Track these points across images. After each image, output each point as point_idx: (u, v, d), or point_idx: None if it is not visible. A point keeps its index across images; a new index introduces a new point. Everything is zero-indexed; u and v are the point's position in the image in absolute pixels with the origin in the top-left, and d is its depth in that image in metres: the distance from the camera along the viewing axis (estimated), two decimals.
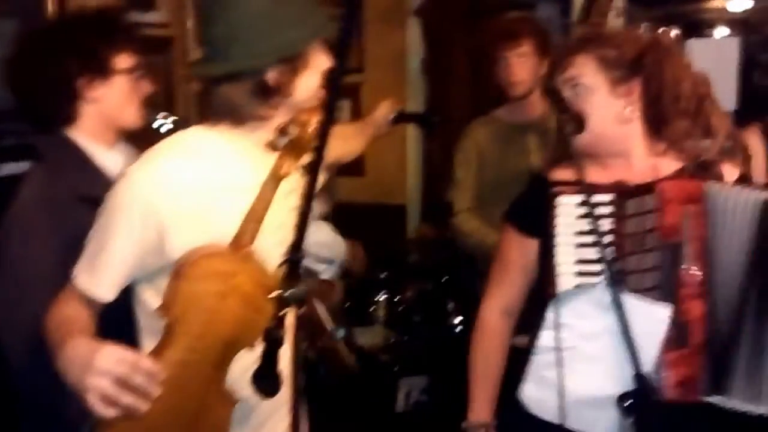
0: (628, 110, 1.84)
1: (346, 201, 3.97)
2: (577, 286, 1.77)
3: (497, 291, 2.01)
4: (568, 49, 1.91)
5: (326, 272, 2.77)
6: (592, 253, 1.76)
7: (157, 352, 1.52)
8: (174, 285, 1.52)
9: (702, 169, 1.82)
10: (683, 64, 1.87)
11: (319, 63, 1.63)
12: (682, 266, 1.75)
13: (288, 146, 1.65)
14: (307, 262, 2.64)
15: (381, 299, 3.76)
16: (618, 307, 1.66)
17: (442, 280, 3.60)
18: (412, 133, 4.36)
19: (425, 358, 3.60)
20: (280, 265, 1.33)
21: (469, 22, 3.85)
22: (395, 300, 3.75)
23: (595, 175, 1.80)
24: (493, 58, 2.93)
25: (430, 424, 3.51)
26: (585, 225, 1.77)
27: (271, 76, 1.60)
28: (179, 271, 1.52)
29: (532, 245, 1.90)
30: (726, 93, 3.78)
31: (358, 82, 4.34)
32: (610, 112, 1.85)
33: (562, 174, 1.84)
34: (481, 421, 1.97)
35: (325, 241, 2.68)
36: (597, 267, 1.75)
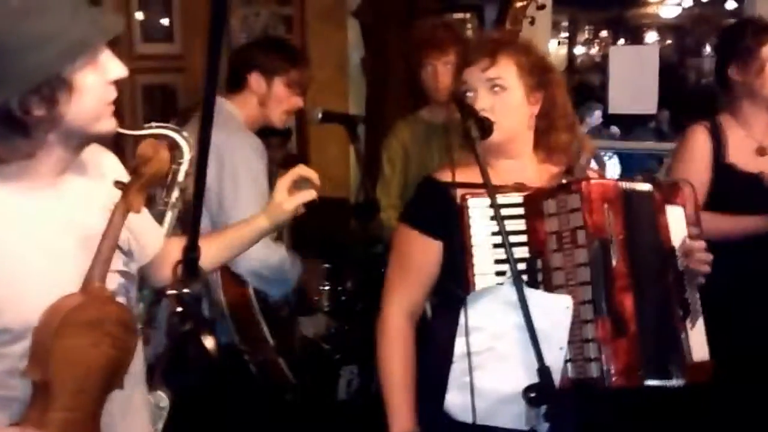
0: (533, 118, 2.01)
1: None
2: (499, 285, 1.83)
3: (400, 293, 2.00)
4: (489, 48, 1.99)
5: (272, 292, 2.84)
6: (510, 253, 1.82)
7: (37, 419, 1.43)
8: (42, 345, 1.41)
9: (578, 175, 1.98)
10: (566, 89, 2.08)
11: (95, 78, 1.42)
12: (612, 261, 1.83)
13: (134, 183, 1.49)
14: (254, 282, 2.74)
15: (324, 289, 3.89)
16: (522, 302, 1.71)
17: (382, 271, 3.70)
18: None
19: (367, 347, 3.70)
20: (178, 263, 1.36)
21: (405, 23, 3.97)
22: (338, 290, 3.89)
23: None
24: (419, 63, 3.06)
25: (370, 411, 3.63)
26: (500, 226, 1.81)
27: (24, 108, 1.35)
28: (45, 329, 1.41)
29: (435, 247, 1.96)
30: (647, 98, 3.99)
31: None
32: (523, 116, 2.00)
33: (461, 177, 1.89)
34: (407, 431, 1.96)
35: (275, 264, 2.73)
36: (516, 266, 1.82)
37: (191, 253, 1.36)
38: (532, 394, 1.70)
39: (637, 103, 4.13)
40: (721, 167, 2.81)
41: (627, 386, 1.83)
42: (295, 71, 2.89)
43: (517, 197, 1.89)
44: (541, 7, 3.22)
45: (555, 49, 13.80)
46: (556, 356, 1.78)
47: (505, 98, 1.97)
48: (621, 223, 1.85)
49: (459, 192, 1.90)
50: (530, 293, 1.75)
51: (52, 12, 1.36)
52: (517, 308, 1.71)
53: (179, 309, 1.39)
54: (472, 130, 1.84)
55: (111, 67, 1.43)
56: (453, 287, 1.87)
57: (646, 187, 1.94)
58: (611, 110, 4.27)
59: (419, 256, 1.98)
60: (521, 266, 1.85)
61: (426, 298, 2.02)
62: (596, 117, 7.19)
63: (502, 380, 1.81)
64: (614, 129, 7.38)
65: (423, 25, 3.33)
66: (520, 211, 1.88)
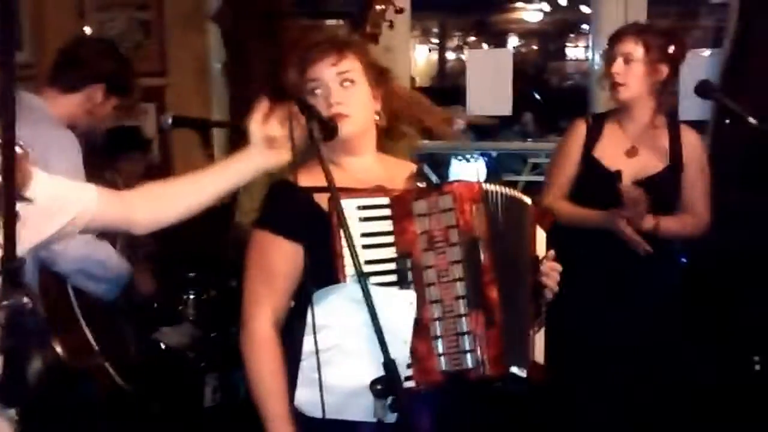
0: (376, 115, 2.05)
1: None
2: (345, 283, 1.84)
3: (266, 302, 1.94)
4: (336, 43, 2.01)
5: (99, 291, 2.76)
6: (380, 254, 1.88)
7: None
8: None
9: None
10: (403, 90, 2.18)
11: None
12: (481, 257, 1.92)
13: None
14: (80, 281, 2.68)
15: (189, 298, 3.84)
16: (367, 299, 1.72)
17: None
18: (220, 133, 4.42)
19: (232, 354, 3.69)
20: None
21: (265, 27, 3.98)
22: (204, 298, 3.85)
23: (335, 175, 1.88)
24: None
25: (238, 417, 3.62)
26: (368, 227, 1.87)
27: None
28: None
29: (299, 251, 1.93)
30: (501, 99, 4.15)
31: (161, 86, 4.41)
32: (370, 112, 2.03)
33: (309, 178, 1.91)
34: None
35: (100, 260, 2.68)
36: (385, 266, 1.88)
37: (10, 262, 1.30)
38: (378, 387, 1.74)
39: (494, 105, 4.27)
40: (588, 160, 2.93)
41: (497, 375, 1.92)
42: (131, 99, 2.97)
43: (384, 199, 1.92)
44: (400, 11, 3.29)
45: (426, 55, 14.04)
46: (400, 350, 1.83)
47: (355, 92, 1.99)
48: (486, 222, 1.94)
49: (317, 194, 1.91)
50: (375, 290, 1.77)
51: None
52: (363, 305, 1.73)
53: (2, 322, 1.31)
54: (314, 132, 1.86)
55: None
56: (314, 291, 1.86)
57: (525, 198, 2.06)
58: (469, 113, 4.40)
59: (283, 261, 1.93)
60: (391, 266, 1.89)
61: (289, 303, 1.99)
62: (460, 121, 7.33)
63: (350, 375, 1.84)
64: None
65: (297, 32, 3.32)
66: (387, 212, 1.91)
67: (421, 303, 1.89)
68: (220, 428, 3.66)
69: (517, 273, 2.00)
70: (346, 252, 1.81)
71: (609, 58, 2.86)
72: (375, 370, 1.76)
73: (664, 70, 2.82)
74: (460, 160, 7.53)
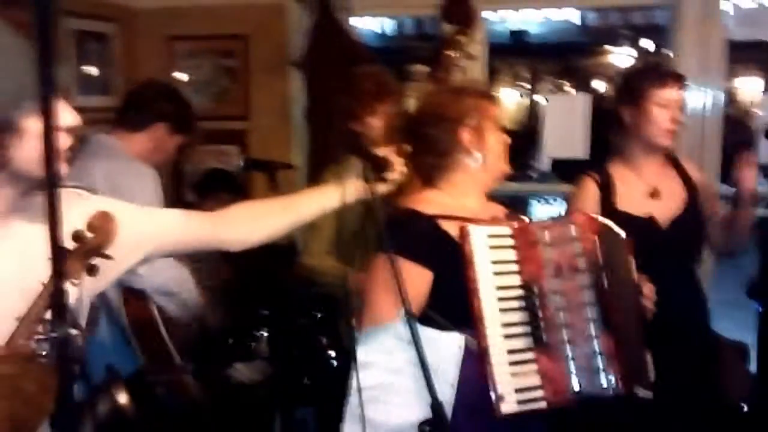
0: None
1: None
2: (501, 310, 1.94)
3: (388, 320, 1.94)
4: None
5: (169, 307, 2.86)
6: (507, 281, 1.98)
7: None
8: None
9: None
10: None
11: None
12: (605, 283, 2.04)
13: (76, 251, 1.43)
14: (161, 299, 2.80)
15: (262, 335, 3.93)
16: (415, 339, 1.75)
17: (317, 316, 3.74)
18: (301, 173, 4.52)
19: (303, 391, 3.74)
20: (49, 305, 1.34)
21: (346, 72, 4.06)
22: (276, 335, 3.92)
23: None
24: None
25: None
26: (497, 255, 1.98)
27: None
28: None
29: (427, 276, 2.00)
30: (577, 143, 4.14)
31: (244, 129, 4.59)
32: None
33: (428, 206, 2.06)
34: None
35: (177, 279, 2.81)
36: (514, 292, 1.98)
37: (60, 297, 1.28)
38: (427, 428, 1.75)
39: (571, 148, 4.26)
40: (613, 215, 2.76)
41: (625, 394, 2.02)
42: (194, 136, 3.16)
43: (506, 228, 2.03)
44: (471, 57, 3.32)
45: (517, 100, 14.09)
46: (446, 392, 1.86)
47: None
48: (604, 252, 2.07)
49: (446, 223, 2.03)
50: (423, 331, 1.81)
51: (2, 56, 1.37)
52: (410, 345, 1.77)
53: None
54: (367, 173, 1.93)
55: (62, 115, 1.43)
56: (436, 316, 1.92)
57: (621, 231, 2.17)
58: (546, 155, 4.43)
59: (411, 285, 1.89)
60: (519, 292, 1.99)
61: None
62: (545, 163, 7.28)
63: (395, 413, 1.88)
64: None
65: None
66: (511, 241, 2.01)
67: (551, 327, 1.98)
68: None
69: (628, 299, 2.11)
70: (480, 278, 1.92)
71: (676, 102, 2.84)
72: (419, 410, 1.78)
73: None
74: (541, 202, 7.49)
